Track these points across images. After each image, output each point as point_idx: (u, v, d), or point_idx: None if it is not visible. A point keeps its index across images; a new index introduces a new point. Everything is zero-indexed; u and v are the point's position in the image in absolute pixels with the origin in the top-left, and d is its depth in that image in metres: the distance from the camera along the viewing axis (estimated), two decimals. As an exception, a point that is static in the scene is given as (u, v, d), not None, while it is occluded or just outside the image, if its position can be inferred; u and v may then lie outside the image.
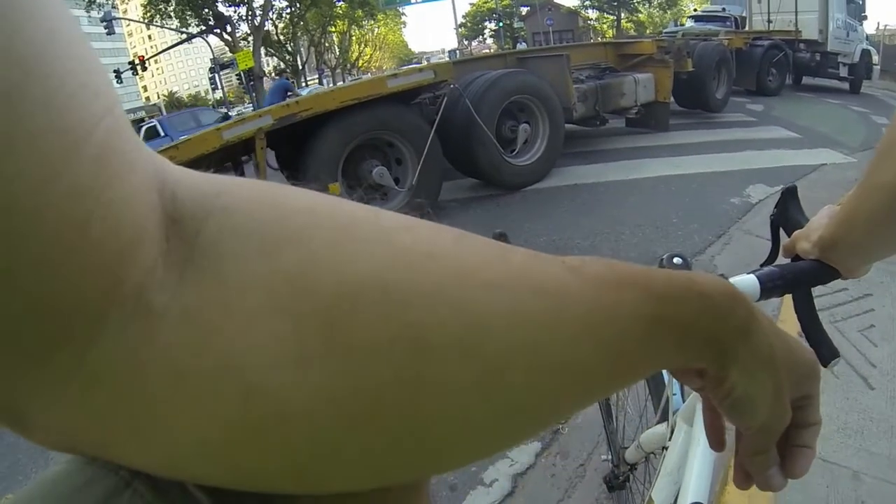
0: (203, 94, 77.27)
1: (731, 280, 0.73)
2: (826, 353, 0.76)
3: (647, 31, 39.47)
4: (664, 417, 1.05)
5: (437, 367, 0.23)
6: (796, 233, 0.82)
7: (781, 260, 0.85)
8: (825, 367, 0.73)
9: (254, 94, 24.42)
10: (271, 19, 31.18)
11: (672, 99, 8.33)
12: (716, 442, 0.47)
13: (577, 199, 5.53)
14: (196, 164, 4.83)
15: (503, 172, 5.84)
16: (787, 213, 0.87)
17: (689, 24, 16.43)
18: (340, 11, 36.33)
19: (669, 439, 0.95)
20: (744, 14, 15.26)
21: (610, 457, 1.65)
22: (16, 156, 0.16)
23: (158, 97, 78.94)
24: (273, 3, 28.88)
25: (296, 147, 5.01)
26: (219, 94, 36.41)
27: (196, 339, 0.20)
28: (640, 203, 5.27)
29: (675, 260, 0.74)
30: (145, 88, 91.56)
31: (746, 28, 14.10)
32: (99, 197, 0.18)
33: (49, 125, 0.17)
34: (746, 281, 0.75)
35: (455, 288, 0.24)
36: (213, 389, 0.20)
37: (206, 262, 0.21)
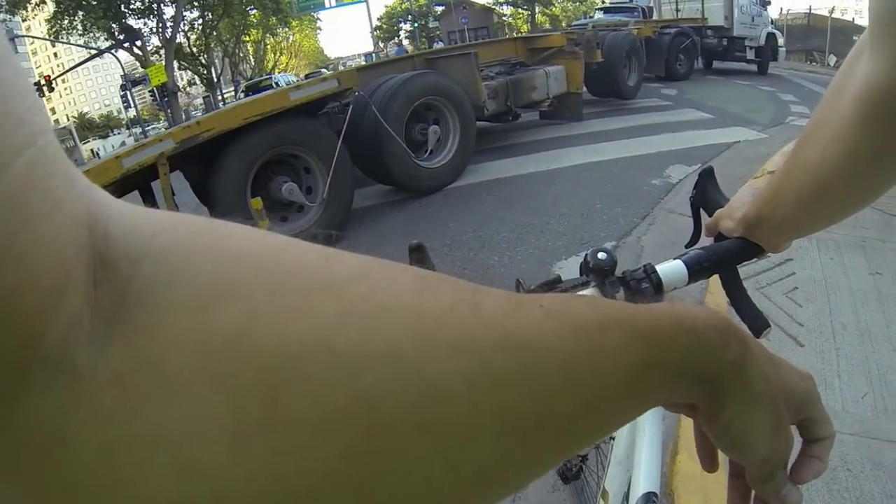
0: (116, 114, 74.74)
1: (658, 267, 0.74)
2: (758, 324, 0.78)
3: (563, 25, 40.21)
4: None
5: (392, 440, 0.21)
6: (718, 212, 0.84)
7: (704, 240, 0.87)
8: (758, 337, 0.77)
9: (169, 111, 23.78)
10: (183, 31, 30.41)
11: (585, 89, 8.49)
12: (708, 463, 0.46)
13: (498, 193, 5.56)
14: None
15: (416, 176, 5.79)
16: (707, 194, 0.89)
17: (598, 15, 16.92)
18: (254, 20, 35.77)
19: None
20: (651, 5, 15.87)
21: None
22: None
23: (68, 119, 75.85)
24: (184, 14, 28.12)
25: (204, 167, 4.84)
26: (132, 113, 35.26)
27: (125, 407, 0.18)
28: (563, 192, 5.34)
29: (600, 255, 0.72)
30: (53, 111, 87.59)
31: (654, 17, 14.60)
32: (14, 238, 0.16)
33: None
34: (674, 267, 0.75)
35: (414, 349, 0.22)
36: (145, 464, 0.18)
37: (137, 314, 0.19)
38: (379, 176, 5.95)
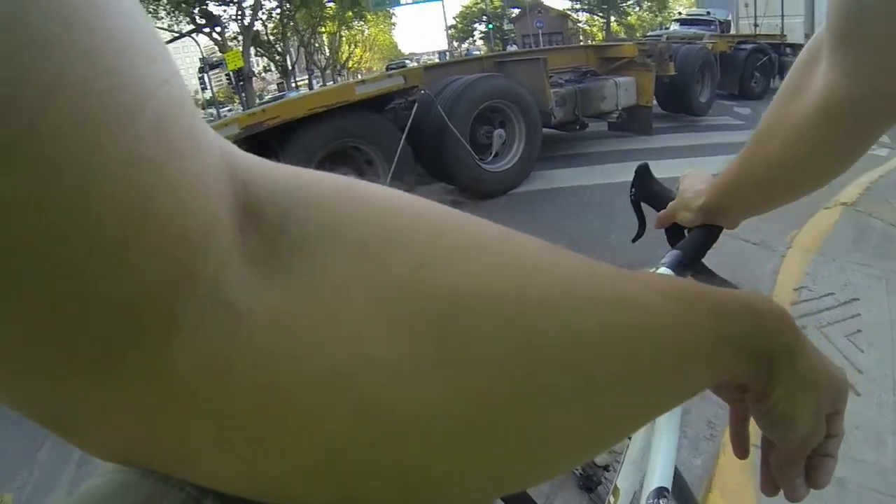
0: (192, 94, 77.20)
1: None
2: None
3: (637, 35, 39.49)
4: None
5: (549, 379, 0.23)
6: (672, 205, 0.89)
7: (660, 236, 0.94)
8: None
9: (243, 95, 24.39)
10: (261, 19, 31.13)
11: (655, 102, 8.27)
12: (741, 450, 0.51)
13: (561, 202, 5.46)
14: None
15: (479, 179, 5.75)
16: (648, 189, 0.94)
17: (673, 27, 16.54)
18: (330, 12, 36.31)
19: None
20: (729, 18, 15.38)
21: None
22: (60, 109, 0.14)
23: (149, 97, 78.68)
24: (262, 3, 28.82)
25: (268, 153, 4.92)
26: (208, 95, 36.28)
27: (294, 347, 0.18)
28: (627, 206, 5.13)
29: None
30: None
31: (732, 32, 14.16)
32: (161, 169, 0.16)
33: (97, 80, 0.15)
34: (661, 274, 0.78)
35: (562, 300, 0.24)
36: (317, 404, 0.19)
37: (296, 262, 0.19)
38: (442, 175, 5.94)
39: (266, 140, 4.78)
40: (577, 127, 7.15)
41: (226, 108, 31.73)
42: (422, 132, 5.28)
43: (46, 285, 0.14)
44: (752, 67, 11.62)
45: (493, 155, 5.86)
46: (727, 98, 11.48)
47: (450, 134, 5.32)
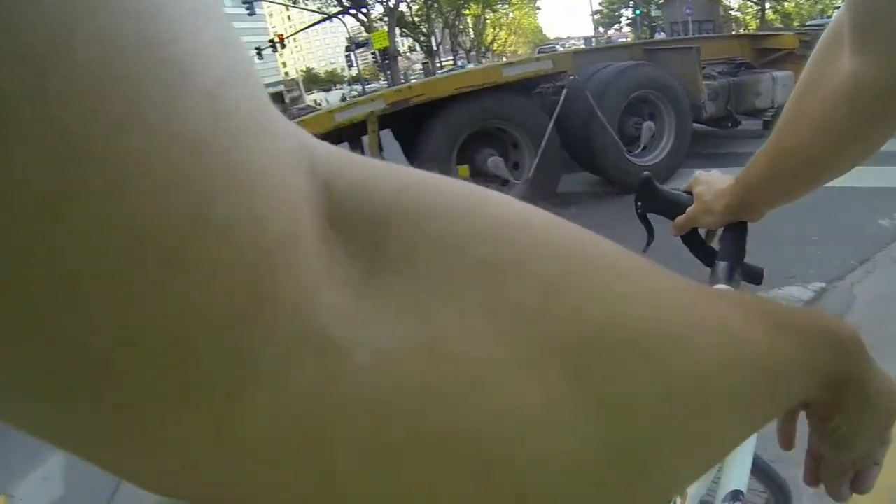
0: (339, 71, 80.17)
1: None
2: (757, 273, 0.88)
3: (794, 24, 36.85)
4: None
5: (679, 420, 0.21)
6: (691, 210, 0.88)
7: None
8: (759, 283, 0.88)
9: (388, 73, 25.08)
10: (406, 1, 31.78)
11: None
12: (785, 442, 0.53)
13: None
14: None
15: (626, 172, 5.53)
16: (656, 199, 0.93)
17: (835, 14, 15.24)
18: (475, -6, 36.51)
19: None
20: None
21: None
22: (74, 59, 0.11)
23: (297, 73, 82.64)
24: (408, -15, 29.42)
25: (413, 129, 5.05)
26: (354, 72, 37.59)
27: (408, 398, 0.15)
28: (778, 216, 4.77)
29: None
30: (284, 64, 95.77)
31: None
32: (226, 154, 0.13)
33: (132, 25, 0.12)
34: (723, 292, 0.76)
35: (687, 333, 0.22)
36: (437, 467, 0.15)
37: (399, 286, 0.16)
38: (587, 165, 5.82)
39: (413, 116, 4.89)
40: (730, 124, 6.74)
41: (371, 86, 32.75)
42: (569, 119, 5.18)
43: (62, 321, 0.11)
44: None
45: (641, 147, 5.67)
46: None
47: (598, 123, 5.19)
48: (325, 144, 0.19)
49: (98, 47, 0.11)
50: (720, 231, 0.89)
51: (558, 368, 0.17)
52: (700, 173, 0.90)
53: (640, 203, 0.94)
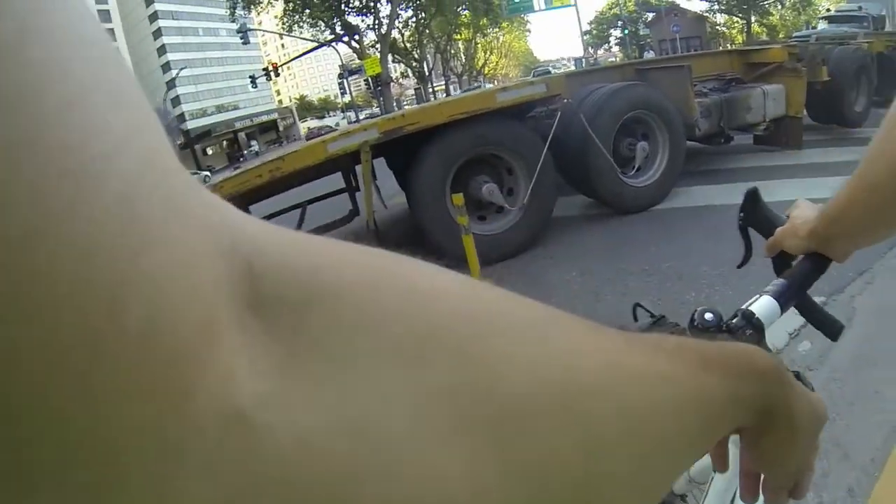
0: (332, 98, 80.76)
1: (754, 309, 0.76)
2: (834, 329, 0.83)
3: (780, 36, 37.20)
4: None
5: (608, 462, 0.23)
6: (780, 231, 0.86)
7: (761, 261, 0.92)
8: (835, 340, 0.84)
9: (381, 99, 25.28)
10: (397, 28, 32.12)
11: (805, 113, 7.65)
12: (720, 464, 0.57)
13: (704, 222, 5.18)
14: (303, 174, 4.96)
15: (620, 193, 5.60)
16: (757, 215, 0.91)
17: (821, 26, 15.35)
18: (465, 20, 36.87)
19: None
20: (883, 13, 14.05)
21: None
22: None
23: (290, 100, 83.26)
24: (399, 12, 29.72)
25: (407, 157, 5.04)
26: (347, 99, 37.85)
27: (332, 480, 0.15)
28: None
29: (707, 315, 0.75)
30: (278, 92, 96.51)
31: (888, 29, 12.93)
32: (134, 261, 0.12)
33: (33, 136, 0.11)
34: (767, 305, 0.76)
35: (608, 385, 0.23)
36: None
37: (319, 368, 0.16)
38: (582, 187, 5.84)
39: (406, 144, 4.88)
40: (722, 140, 6.75)
41: (364, 112, 32.96)
42: (563, 142, 5.18)
43: None
44: (915, 70, 10.51)
45: (635, 169, 5.66)
46: (884, 106, 10.54)
47: (592, 145, 5.20)
48: (248, 219, 0.19)
49: None
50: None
51: (480, 438, 0.18)
52: (801, 200, 0.87)
53: (742, 215, 0.92)
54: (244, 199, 5.56)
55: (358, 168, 5.24)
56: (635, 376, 0.25)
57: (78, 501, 0.12)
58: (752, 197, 0.92)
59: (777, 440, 0.39)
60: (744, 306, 0.76)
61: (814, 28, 17.31)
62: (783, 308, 0.77)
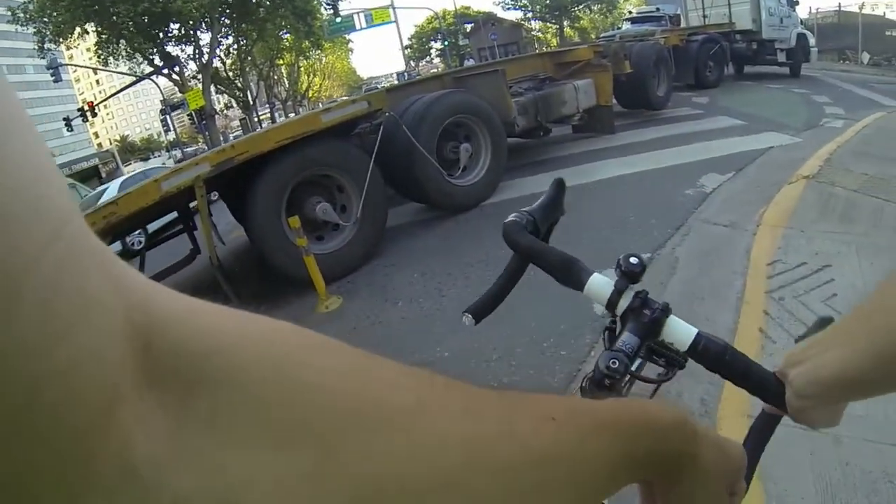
0: (156, 137, 76.62)
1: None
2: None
3: (592, 37, 39.93)
4: None
5: None
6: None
7: None
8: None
9: (207, 133, 24.29)
10: (219, 56, 31.05)
11: (615, 101, 8.45)
12: None
13: None
14: (137, 217, 4.74)
15: (450, 194, 5.83)
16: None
17: (625, 26, 16.90)
18: (287, 44, 36.30)
19: None
20: (678, 12, 15.77)
21: None
22: None
23: (111, 143, 77.87)
24: (220, 40, 28.76)
25: (240, 188, 4.95)
26: (172, 136, 36.12)
27: None
28: (597, 206, 5.34)
29: (632, 259, 0.72)
30: (97, 135, 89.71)
31: (683, 25, 14.49)
32: (49, 355, 0.14)
33: None
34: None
35: (468, 477, 0.25)
36: None
37: (201, 441, 0.19)
38: (413, 195, 6.01)
39: (238, 175, 4.82)
40: (542, 133, 7.30)
41: (190, 149, 31.49)
42: (389, 154, 5.33)
43: None
44: (705, 57, 11.97)
45: (461, 169, 5.95)
46: (684, 89, 11.77)
47: (417, 153, 5.39)
48: (153, 288, 0.21)
49: None
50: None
51: None
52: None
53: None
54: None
55: (193, 205, 5.09)
56: (503, 468, 0.26)
57: None
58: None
59: (687, 491, 0.40)
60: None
61: (618, 28, 18.82)
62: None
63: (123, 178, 12.80)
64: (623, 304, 0.70)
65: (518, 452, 0.27)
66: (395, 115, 5.49)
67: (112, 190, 10.05)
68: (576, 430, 0.31)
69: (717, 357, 0.66)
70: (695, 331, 0.67)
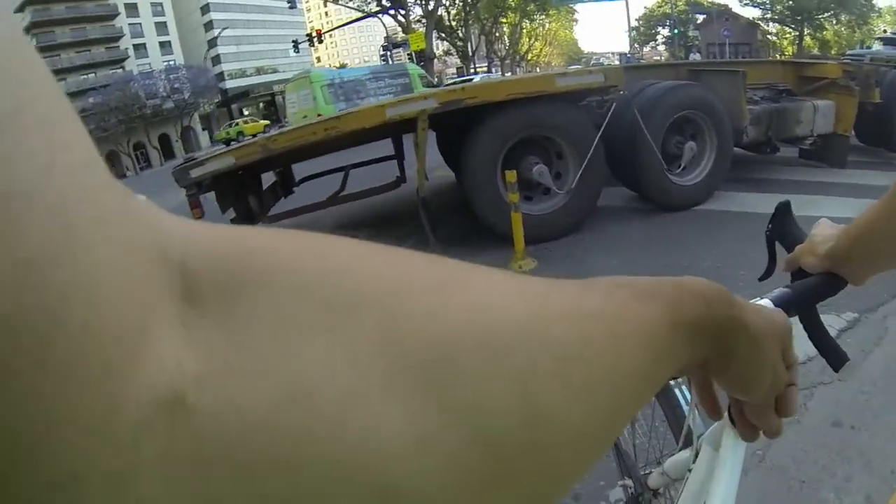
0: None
1: None
2: (837, 359, 0.77)
3: (833, 52, 36.34)
4: (686, 444, 1.08)
5: (546, 400, 0.23)
6: (799, 248, 0.85)
7: (781, 277, 0.88)
8: (836, 371, 0.77)
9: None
10: (444, 5, 31.78)
11: (852, 132, 7.60)
12: (713, 412, 0.53)
13: (745, 227, 5.12)
14: (355, 136, 5.05)
15: (666, 190, 5.64)
16: (784, 229, 0.89)
17: (876, 46, 15.15)
18: (512, 3, 36.40)
19: (693, 462, 0.97)
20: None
21: (631, 483, 1.65)
22: None
23: (331, 68, 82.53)
24: (448, -11, 29.42)
25: (458, 132, 5.12)
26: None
27: (280, 444, 0.17)
28: None
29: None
30: (319, 59, 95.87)
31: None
32: (72, 266, 0.14)
33: None
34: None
35: (536, 325, 0.24)
36: (321, 501, 0.17)
37: (259, 341, 0.18)
38: (627, 181, 5.89)
39: (461, 118, 4.95)
40: (768, 150, 6.76)
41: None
42: (614, 134, 5.23)
43: None
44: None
45: (681, 167, 5.68)
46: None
47: (642, 139, 5.26)
48: (178, 220, 0.20)
49: None
50: None
51: (415, 386, 0.19)
52: (824, 219, 0.86)
53: (770, 227, 0.91)
54: (290, 157, 5.65)
55: (406, 137, 5.28)
56: (561, 315, 0.25)
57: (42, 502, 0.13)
58: (783, 210, 0.91)
59: (744, 361, 0.40)
60: None
61: (868, 48, 17.01)
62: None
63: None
64: None
65: (580, 307, 0.27)
66: (628, 96, 5.37)
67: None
68: (625, 299, 0.30)
69: None
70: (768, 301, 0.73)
